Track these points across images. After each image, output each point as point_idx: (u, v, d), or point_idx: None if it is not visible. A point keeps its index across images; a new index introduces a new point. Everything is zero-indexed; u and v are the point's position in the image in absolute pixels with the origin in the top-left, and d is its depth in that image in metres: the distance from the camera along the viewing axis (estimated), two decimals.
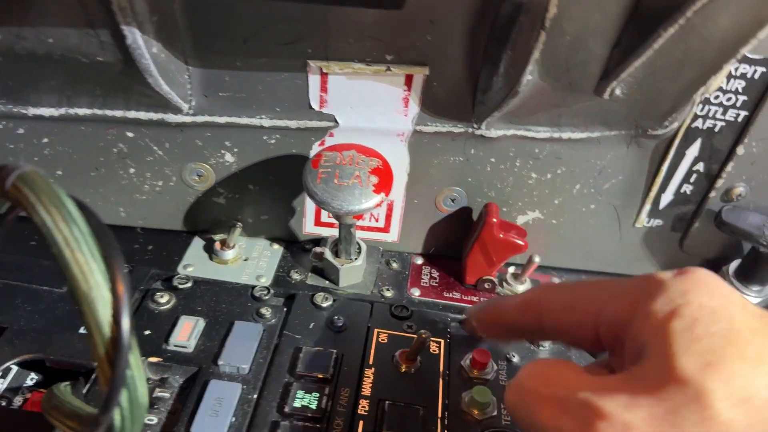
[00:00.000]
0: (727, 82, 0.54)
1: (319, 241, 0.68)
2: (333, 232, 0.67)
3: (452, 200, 0.64)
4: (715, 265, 0.67)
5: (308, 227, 0.67)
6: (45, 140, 0.59)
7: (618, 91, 0.50)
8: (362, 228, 0.67)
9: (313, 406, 0.49)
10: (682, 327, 0.32)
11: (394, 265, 0.67)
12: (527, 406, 0.35)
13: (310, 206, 0.66)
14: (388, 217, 0.66)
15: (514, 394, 0.37)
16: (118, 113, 0.56)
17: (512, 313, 0.46)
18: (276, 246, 0.68)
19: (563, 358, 0.49)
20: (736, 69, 0.53)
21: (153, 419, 0.48)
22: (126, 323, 0.30)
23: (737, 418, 0.29)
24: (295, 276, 0.64)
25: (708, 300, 0.33)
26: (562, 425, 0.33)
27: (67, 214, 0.30)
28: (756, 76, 0.53)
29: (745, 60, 0.52)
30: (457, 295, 0.64)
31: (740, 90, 0.54)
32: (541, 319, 0.43)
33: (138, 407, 0.33)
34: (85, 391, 0.50)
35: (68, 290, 0.30)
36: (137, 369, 0.32)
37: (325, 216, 0.66)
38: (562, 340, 0.44)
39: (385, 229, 0.67)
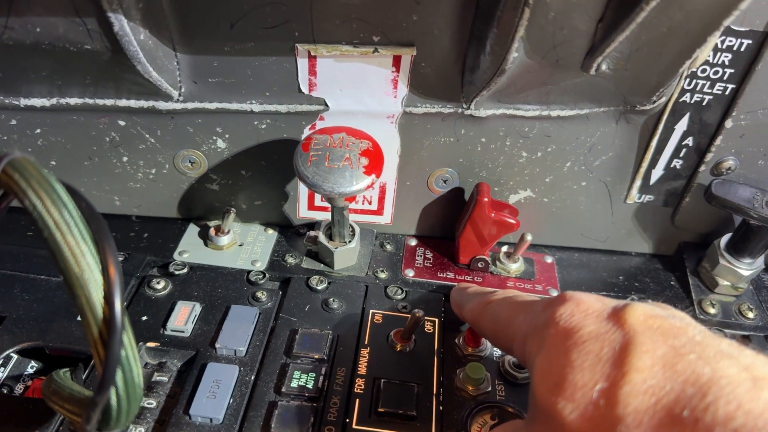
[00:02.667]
0: (714, 55, 0.54)
1: (313, 225, 0.68)
2: (327, 216, 0.67)
3: (444, 181, 0.65)
4: (707, 239, 0.68)
5: (302, 211, 0.68)
6: (38, 131, 0.59)
7: (604, 67, 0.50)
8: (356, 211, 0.68)
9: (310, 386, 0.50)
10: (541, 360, 0.35)
11: (388, 247, 0.67)
12: None
13: (303, 190, 0.66)
14: (381, 199, 0.66)
15: None
16: (109, 102, 0.56)
17: (467, 316, 0.51)
18: (270, 231, 0.68)
19: None
20: (722, 42, 0.53)
21: (152, 402, 0.49)
22: (118, 304, 0.30)
23: (584, 425, 0.31)
24: (290, 260, 0.64)
25: (564, 322, 0.35)
26: None
27: (57, 198, 0.30)
28: (742, 49, 0.53)
29: (731, 32, 0.52)
30: (450, 275, 0.65)
31: (727, 63, 0.54)
32: (480, 330, 0.48)
33: (133, 386, 0.33)
34: (84, 376, 0.50)
35: (60, 273, 0.30)
36: (131, 349, 0.32)
37: (318, 200, 0.67)
38: None
39: (379, 212, 0.68)
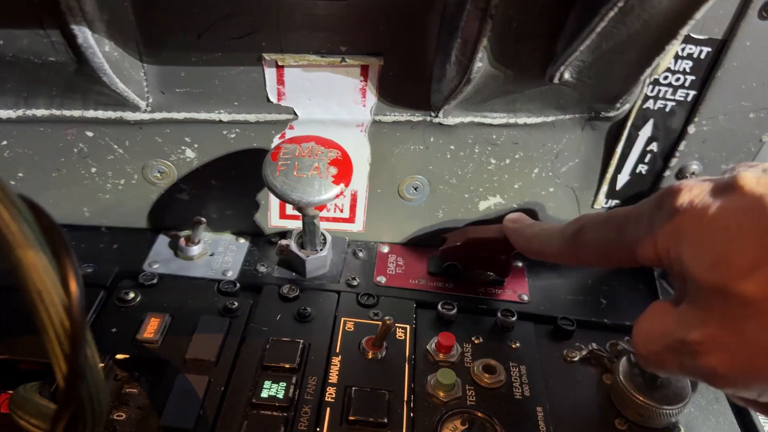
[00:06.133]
0: (675, 62, 0.55)
1: (284, 233, 0.68)
2: (298, 225, 0.67)
3: (415, 188, 0.65)
4: None
5: (273, 220, 0.68)
6: (4, 143, 0.58)
7: (567, 75, 0.51)
8: (327, 219, 0.68)
9: (281, 396, 0.50)
10: (688, 249, 0.37)
11: (361, 255, 0.68)
12: (653, 363, 0.42)
13: (274, 199, 0.66)
14: (353, 207, 0.67)
15: (639, 359, 0.44)
16: (77, 113, 0.56)
17: (557, 258, 0.53)
18: (242, 240, 0.68)
19: None
20: (683, 49, 0.54)
21: (122, 415, 0.49)
22: (80, 317, 0.30)
23: (762, 287, 0.33)
24: (262, 269, 0.64)
25: (690, 208, 0.37)
26: (682, 363, 0.39)
27: (16, 212, 0.30)
28: (702, 56, 0.55)
29: (691, 40, 0.53)
30: (422, 282, 0.65)
31: (688, 70, 0.56)
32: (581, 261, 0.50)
33: (98, 400, 0.33)
34: (52, 390, 0.50)
35: (19, 288, 0.30)
36: (94, 362, 0.32)
37: (289, 209, 0.67)
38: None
39: (350, 220, 0.68)
